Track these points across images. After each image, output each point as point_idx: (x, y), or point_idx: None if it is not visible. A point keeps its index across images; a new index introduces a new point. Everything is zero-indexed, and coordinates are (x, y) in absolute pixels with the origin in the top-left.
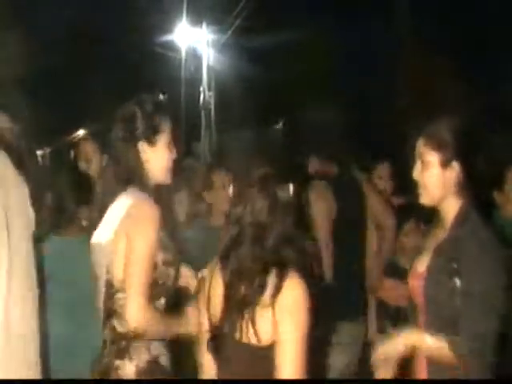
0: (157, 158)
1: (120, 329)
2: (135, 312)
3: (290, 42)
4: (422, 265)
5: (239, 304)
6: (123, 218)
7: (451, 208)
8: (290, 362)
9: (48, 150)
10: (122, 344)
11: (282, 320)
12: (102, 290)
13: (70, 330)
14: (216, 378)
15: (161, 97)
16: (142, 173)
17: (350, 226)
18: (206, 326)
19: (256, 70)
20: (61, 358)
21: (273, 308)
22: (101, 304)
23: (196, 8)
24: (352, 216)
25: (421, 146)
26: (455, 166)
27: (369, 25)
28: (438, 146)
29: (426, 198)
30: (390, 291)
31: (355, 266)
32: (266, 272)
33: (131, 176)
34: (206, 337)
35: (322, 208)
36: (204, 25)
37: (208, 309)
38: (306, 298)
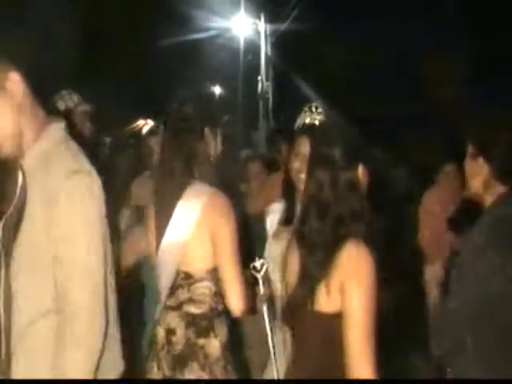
0: (215, 148)
1: (198, 311)
2: (239, 296)
3: (348, 32)
4: None
5: (307, 273)
6: (201, 212)
7: None
8: (355, 330)
9: (108, 139)
10: (204, 323)
11: (345, 287)
12: (167, 283)
13: None
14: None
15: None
16: (211, 163)
17: None
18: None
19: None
20: None
21: (333, 274)
22: (162, 297)
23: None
24: None
25: None
26: None
27: None
28: None
29: None
30: None
31: None
32: (329, 244)
33: (202, 168)
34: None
35: None
36: (262, 15)
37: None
38: (369, 267)
